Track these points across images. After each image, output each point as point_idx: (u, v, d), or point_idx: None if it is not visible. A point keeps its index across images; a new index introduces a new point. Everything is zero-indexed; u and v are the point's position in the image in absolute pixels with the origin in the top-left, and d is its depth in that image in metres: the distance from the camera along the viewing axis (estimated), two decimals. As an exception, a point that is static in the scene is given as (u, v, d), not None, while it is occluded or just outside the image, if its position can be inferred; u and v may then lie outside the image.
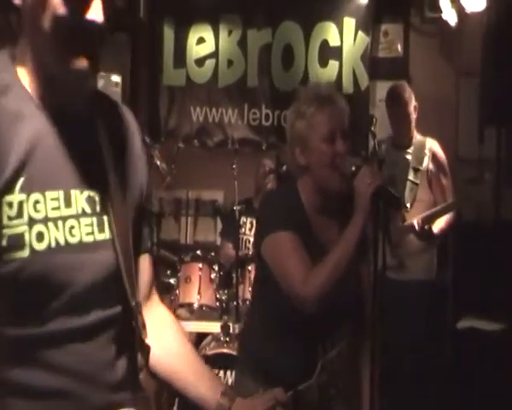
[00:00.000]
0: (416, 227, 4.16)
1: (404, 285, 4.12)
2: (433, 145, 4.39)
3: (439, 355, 4.59)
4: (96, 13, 1.24)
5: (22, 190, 1.23)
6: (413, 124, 4.37)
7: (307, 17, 5.95)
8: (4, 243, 1.21)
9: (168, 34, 6.12)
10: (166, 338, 1.57)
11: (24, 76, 1.30)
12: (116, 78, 5.72)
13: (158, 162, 4.79)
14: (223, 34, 6.07)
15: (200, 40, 6.09)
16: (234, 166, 4.78)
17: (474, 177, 5.28)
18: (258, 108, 6.05)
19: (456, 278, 5.01)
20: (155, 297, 1.62)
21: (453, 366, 4.69)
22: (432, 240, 4.30)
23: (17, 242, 1.22)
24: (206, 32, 6.08)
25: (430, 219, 4.21)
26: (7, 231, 1.21)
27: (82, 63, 1.25)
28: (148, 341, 1.44)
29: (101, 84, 5.54)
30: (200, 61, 6.09)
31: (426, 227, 4.16)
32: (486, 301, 4.55)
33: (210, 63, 6.08)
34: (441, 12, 5.43)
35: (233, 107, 6.07)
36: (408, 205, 4.22)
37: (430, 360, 4.32)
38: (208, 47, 6.08)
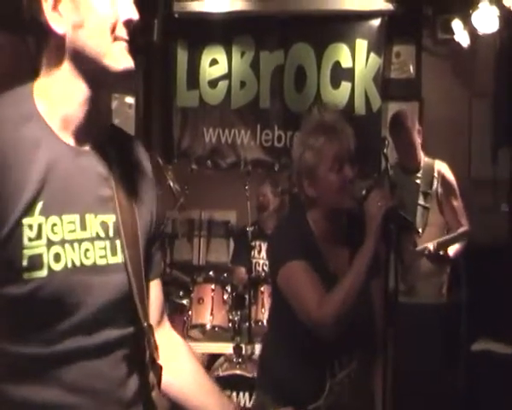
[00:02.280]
0: (432, 251, 4.16)
1: (414, 309, 4.10)
2: (441, 168, 4.38)
3: (453, 378, 4.55)
4: (132, 11, 1.38)
5: (41, 213, 1.30)
6: (418, 148, 4.37)
7: (319, 39, 5.98)
8: (25, 262, 1.28)
9: (181, 56, 6.17)
10: (177, 362, 1.61)
11: (43, 107, 1.36)
12: (130, 99, 5.76)
13: (171, 183, 4.81)
14: (235, 56, 6.11)
15: (213, 62, 6.14)
16: (246, 188, 4.80)
17: (487, 200, 5.26)
18: (270, 129, 6.07)
19: (470, 301, 4.98)
20: (166, 322, 1.67)
21: (468, 389, 4.64)
22: (446, 263, 4.30)
23: (36, 262, 1.28)
24: (219, 54, 6.13)
25: (445, 245, 4.21)
26: (27, 252, 1.28)
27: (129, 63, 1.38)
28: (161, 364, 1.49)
29: (114, 105, 5.59)
30: (213, 83, 6.14)
31: (441, 252, 4.17)
32: (501, 323, 4.51)
33: (223, 85, 6.12)
34: (453, 33, 5.45)
35: (246, 128, 6.10)
36: (420, 230, 4.22)
37: (444, 383, 4.28)
38: (221, 69, 6.13)
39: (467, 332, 4.89)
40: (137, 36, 1.40)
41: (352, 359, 2.32)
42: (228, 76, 6.13)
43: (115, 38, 1.35)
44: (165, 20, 6.04)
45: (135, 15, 1.37)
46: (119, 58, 1.35)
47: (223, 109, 6.11)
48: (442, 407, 4.31)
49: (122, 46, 1.36)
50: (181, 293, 4.91)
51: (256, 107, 6.09)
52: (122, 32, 1.36)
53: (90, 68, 1.35)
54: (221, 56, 6.13)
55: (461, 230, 4.29)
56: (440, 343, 4.27)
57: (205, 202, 6.02)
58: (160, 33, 6.02)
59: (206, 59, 6.14)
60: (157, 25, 5.94)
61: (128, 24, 1.37)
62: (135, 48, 1.39)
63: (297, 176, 2.40)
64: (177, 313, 4.65)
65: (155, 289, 1.59)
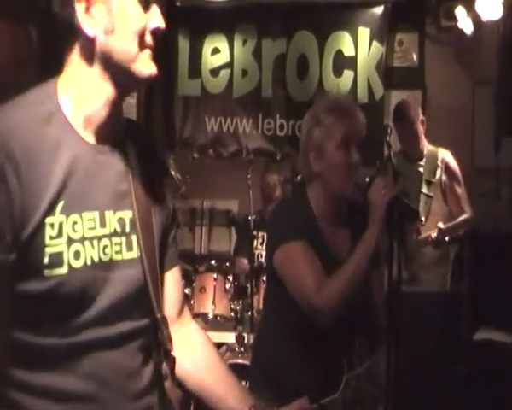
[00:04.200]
0: (434, 239, 4.18)
1: (417, 298, 4.09)
2: (445, 156, 4.38)
3: (455, 367, 4.54)
4: (160, 20, 1.42)
5: (62, 211, 1.33)
6: (421, 138, 4.37)
7: (322, 27, 5.97)
8: (46, 260, 1.31)
9: (183, 45, 6.16)
10: (197, 353, 1.62)
11: (67, 105, 1.38)
12: (131, 88, 5.74)
13: (173, 172, 4.79)
14: (237, 44, 6.10)
15: (215, 50, 6.13)
16: (248, 176, 4.79)
17: (490, 188, 5.24)
18: (272, 117, 6.06)
19: (473, 290, 4.97)
20: (187, 313, 1.68)
21: (470, 378, 4.64)
22: (448, 245, 4.31)
23: (57, 259, 1.32)
24: (221, 43, 6.11)
25: (448, 233, 4.21)
26: (48, 250, 1.31)
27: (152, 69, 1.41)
28: (178, 355, 1.52)
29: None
30: (214, 72, 6.12)
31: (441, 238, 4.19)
32: (504, 312, 4.50)
33: (225, 73, 6.11)
34: (457, 21, 5.42)
35: (248, 117, 6.09)
36: (423, 218, 4.22)
37: (447, 372, 4.28)
38: (223, 57, 6.11)
39: (469, 321, 4.88)
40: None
41: (372, 353, 2.27)
42: (230, 65, 6.12)
43: (143, 46, 1.39)
44: (167, 9, 6.01)
45: (162, 24, 1.42)
46: (145, 65, 1.39)
47: (224, 98, 6.11)
48: (444, 395, 4.31)
49: (148, 53, 1.40)
50: (183, 282, 4.90)
51: (258, 95, 6.09)
52: (149, 39, 1.40)
53: (117, 72, 1.38)
54: (223, 45, 6.11)
55: (463, 217, 4.30)
56: (443, 332, 4.27)
57: (206, 190, 6.01)
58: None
59: (207, 47, 6.14)
60: (158, 13, 5.91)
61: (155, 32, 1.41)
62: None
63: (303, 149, 2.35)
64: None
65: (173, 278, 1.62)
